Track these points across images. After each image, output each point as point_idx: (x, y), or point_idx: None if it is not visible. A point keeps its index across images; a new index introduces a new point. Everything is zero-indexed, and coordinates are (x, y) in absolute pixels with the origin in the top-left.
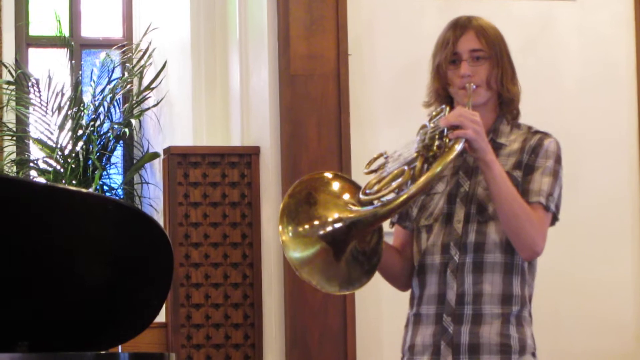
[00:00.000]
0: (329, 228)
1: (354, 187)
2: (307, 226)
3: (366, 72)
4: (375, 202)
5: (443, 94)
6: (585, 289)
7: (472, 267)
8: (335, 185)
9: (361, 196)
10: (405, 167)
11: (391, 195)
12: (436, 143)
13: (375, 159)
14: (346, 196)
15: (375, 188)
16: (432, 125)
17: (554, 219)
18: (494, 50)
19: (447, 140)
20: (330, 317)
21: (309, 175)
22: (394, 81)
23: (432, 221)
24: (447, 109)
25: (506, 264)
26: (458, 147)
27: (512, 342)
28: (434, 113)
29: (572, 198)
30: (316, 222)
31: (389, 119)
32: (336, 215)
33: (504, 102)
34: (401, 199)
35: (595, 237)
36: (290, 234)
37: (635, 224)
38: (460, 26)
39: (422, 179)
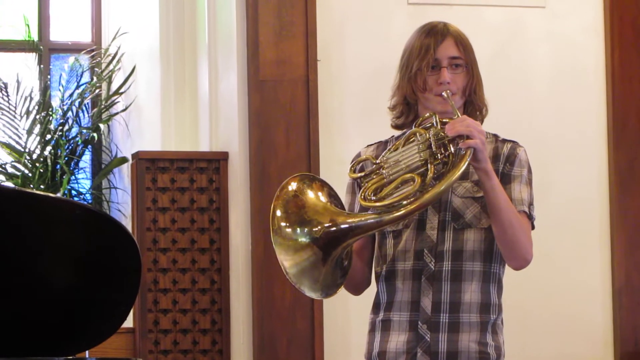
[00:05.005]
0: (325, 231)
1: (332, 191)
2: (298, 229)
3: (335, 78)
4: (372, 208)
5: (411, 97)
6: (554, 292)
7: (450, 275)
8: (320, 189)
9: (361, 201)
10: (413, 176)
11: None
12: (443, 152)
13: (358, 162)
14: (332, 200)
15: (380, 194)
16: (431, 132)
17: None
18: (469, 59)
19: (455, 150)
20: (299, 322)
21: (291, 178)
22: (363, 87)
23: (402, 227)
24: (436, 116)
25: (484, 272)
26: (468, 156)
27: (490, 350)
28: (420, 119)
29: (541, 201)
30: (309, 225)
31: (357, 124)
32: (331, 219)
33: (472, 111)
34: (412, 206)
35: (564, 240)
36: (282, 236)
37: (604, 227)
38: (439, 32)
39: (436, 188)
